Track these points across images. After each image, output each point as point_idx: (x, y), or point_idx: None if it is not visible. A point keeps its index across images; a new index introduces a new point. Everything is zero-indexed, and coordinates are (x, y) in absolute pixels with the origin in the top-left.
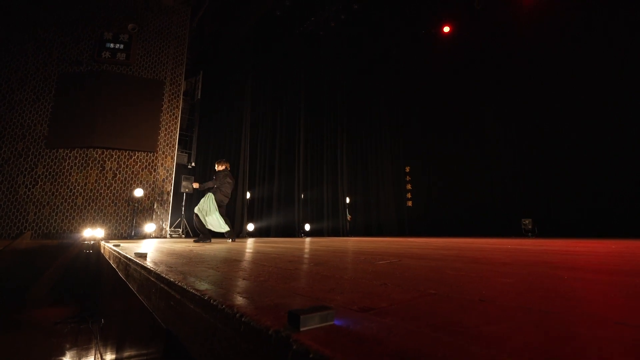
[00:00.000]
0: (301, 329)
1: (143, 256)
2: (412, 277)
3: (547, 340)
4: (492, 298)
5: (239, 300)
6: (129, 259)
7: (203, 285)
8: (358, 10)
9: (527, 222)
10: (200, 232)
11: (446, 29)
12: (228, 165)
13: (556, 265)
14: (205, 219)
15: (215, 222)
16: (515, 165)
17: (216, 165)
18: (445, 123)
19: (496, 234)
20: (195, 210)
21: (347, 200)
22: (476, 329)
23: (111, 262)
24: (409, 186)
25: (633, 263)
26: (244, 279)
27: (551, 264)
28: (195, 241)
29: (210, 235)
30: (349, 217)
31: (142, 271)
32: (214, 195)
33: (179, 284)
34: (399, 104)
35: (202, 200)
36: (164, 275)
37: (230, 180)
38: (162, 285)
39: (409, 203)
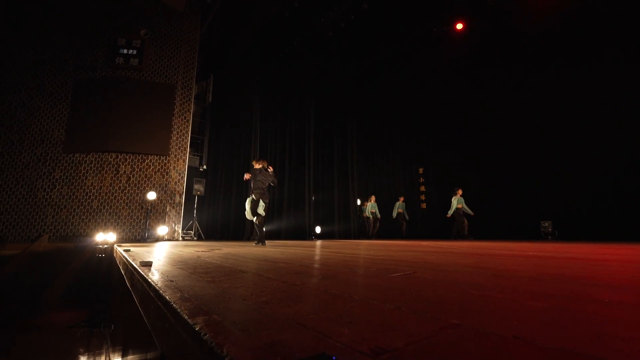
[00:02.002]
0: None
1: (148, 265)
2: (430, 298)
3: None
4: (527, 334)
5: (232, 334)
6: (134, 268)
7: (198, 309)
8: (368, 10)
9: (546, 224)
10: (258, 232)
11: (459, 26)
12: (256, 163)
13: (591, 280)
14: (252, 218)
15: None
16: (533, 166)
17: (253, 164)
18: (459, 123)
19: (514, 237)
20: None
21: (358, 202)
22: None
23: (120, 267)
24: (422, 188)
25: None
26: (244, 300)
27: (585, 279)
28: (255, 244)
29: (264, 238)
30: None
31: (144, 284)
32: (251, 196)
33: (174, 305)
34: (411, 104)
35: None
36: (162, 293)
37: (261, 178)
38: (159, 303)
39: (423, 205)
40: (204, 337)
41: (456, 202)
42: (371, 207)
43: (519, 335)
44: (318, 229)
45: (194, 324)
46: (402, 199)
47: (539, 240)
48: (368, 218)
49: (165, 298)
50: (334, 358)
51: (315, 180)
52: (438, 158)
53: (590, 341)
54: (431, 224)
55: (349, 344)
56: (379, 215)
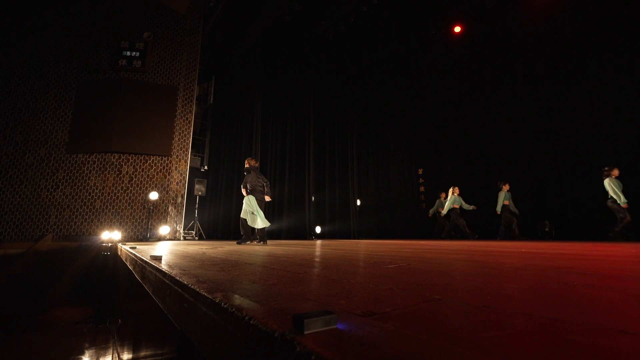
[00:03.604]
0: (305, 332)
1: (158, 259)
2: (419, 282)
3: (542, 346)
4: (495, 304)
5: (248, 303)
6: (145, 262)
7: (214, 288)
8: (367, 13)
9: (545, 223)
10: (244, 234)
11: (457, 29)
12: (248, 162)
13: (568, 270)
14: (247, 219)
15: (252, 219)
16: (531, 166)
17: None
18: (458, 124)
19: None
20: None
21: (358, 202)
22: (475, 335)
23: (128, 264)
24: (422, 188)
25: None
26: (253, 283)
27: (563, 269)
28: (237, 243)
29: (250, 237)
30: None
31: (158, 274)
32: (252, 196)
33: (192, 287)
34: (410, 105)
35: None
36: (178, 278)
37: (256, 175)
38: (176, 287)
39: (423, 205)
40: (224, 306)
41: (503, 197)
42: (453, 201)
43: (487, 305)
44: (318, 229)
45: (214, 298)
46: (456, 191)
47: (537, 240)
48: (447, 215)
49: (182, 282)
50: (334, 313)
51: (315, 180)
52: (437, 158)
53: (545, 309)
54: (431, 224)
55: (346, 309)
56: (459, 208)
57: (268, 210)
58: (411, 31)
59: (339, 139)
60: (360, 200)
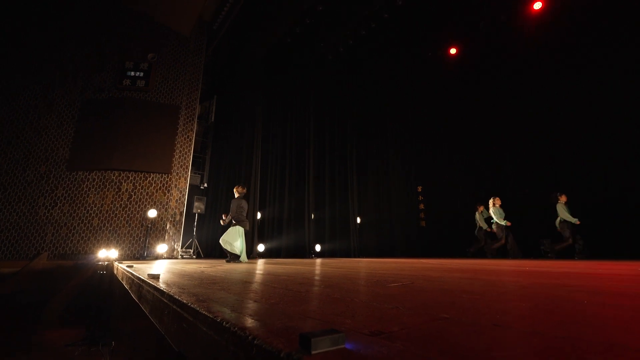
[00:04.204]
0: (312, 352)
1: (156, 277)
2: (425, 300)
3: None
4: (506, 323)
5: (251, 322)
6: (142, 280)
7: (215, 307)
8: (365, 36)
9: (545, 242)
10: (228, 253)
11: (452, 51)
12: (239, 189)
13: (577, 288)
14: (231, 246)
15: (237, 247)
16: (534, 184)
17: (234, 190)
18: (459, 142)
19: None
20: (220, 241)
21: (359, 220)
22: (488, 355)
23: (124, 283)
24: (421, 206)
25: None
26: (255, 301)
27: (571, 287)
28: (227, 261)
29: (238, 256)
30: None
31: (155, 292)
32: (239, 226)
33: (192, 305)
34: (409, 123)
35: (229, 231)
36: (177, 297)
37: (243, 205)
38: (174, 307)
39: (423, 223)
40: (226, 325)
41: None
42: (495, 213)
43: (498, 324)
44: (318, 247)
45: (215, 317)
46: (481, 207)
47: (538, 259)
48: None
49: (181, 301)
50: (342, 332)
51: (315, 199)
52: (437, 176)
53: (557, 327)
54: (432, 241)
55: (352, 329)
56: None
57: (268, 228)
58: (409, 52)
59: (339, 156)
60: (361, 218)
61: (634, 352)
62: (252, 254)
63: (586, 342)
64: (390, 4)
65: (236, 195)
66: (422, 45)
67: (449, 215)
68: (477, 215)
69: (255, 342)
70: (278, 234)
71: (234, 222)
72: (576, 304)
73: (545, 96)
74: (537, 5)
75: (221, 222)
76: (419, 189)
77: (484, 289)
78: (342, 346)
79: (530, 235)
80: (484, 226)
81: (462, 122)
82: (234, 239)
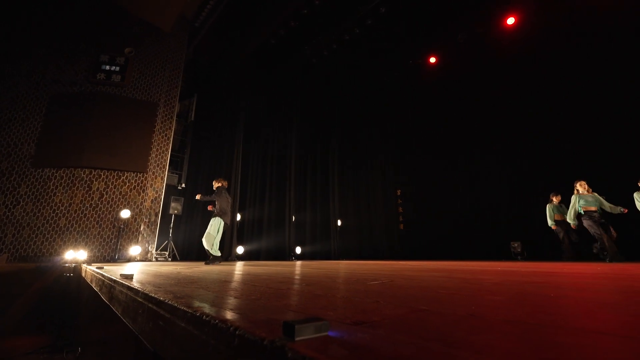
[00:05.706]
0: (296, 339)
1: (129, 277)
2: (404, 295)
3: (532, 346)
4: (481, 313)
5: (232, 315)
6: (114, 281)
7: (194, 303)
8: (349, 41)
9: (516, 245)
10: (210, 255)
11: (432, 60)
12: (223, 182)
13: (544, 284)
14: (213, 247)
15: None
16: (504, 189)
17: (214, 183)
18: (436, 148)
19: (487, 257)
20: (203, 239)
21: (339, 222)
22: (466, 339)
23: (93, 285)
24: (400, 209)
25: (617, 283)
26: (235, 298)
27: (539, 283)
28: (206, 263)
29: (221, 258)
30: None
31: (129, 292)
32: (221, 219)
33: (169, 302)
34: (390, 128)
35: (211, 224)
36: (153, 295)
37: (227, 196)
38: (150, 305)
39: (401, 226)
40: (206, 319)
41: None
42: (557, 210)
43: (474, 314)
44: (298, 250)
45: (194, 311)
46: (556, 198)
47: (509, 260)
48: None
49: (158, 299)
50: (326, 320)
51: (296, 201)
52: (416, 181)
53: (527, 316)
54: (410, 244)
55: (336, 319)
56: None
57: (247, 230)
58: (390, 59)
59: (321, 159)
60: (341, 221)
61: (597, 334)
62: (230, 256)
63: (555, 327)
64: (374, 11)
65: (219, 186)
66: (404, 53)
67: (429, 218)
68: (554, 207)
69: (237, 332)
70: (258, 236)
71: (215, 214)
72: (544, 297)
73: (523, 102)
74: (510, 21)
75: (197, 197)
76: (398, 192)
77: (459, 285)
78: (326, 333)
79: (501, 238)
80: (572, 222)
81: (441, 127)
82: (215, 232)
